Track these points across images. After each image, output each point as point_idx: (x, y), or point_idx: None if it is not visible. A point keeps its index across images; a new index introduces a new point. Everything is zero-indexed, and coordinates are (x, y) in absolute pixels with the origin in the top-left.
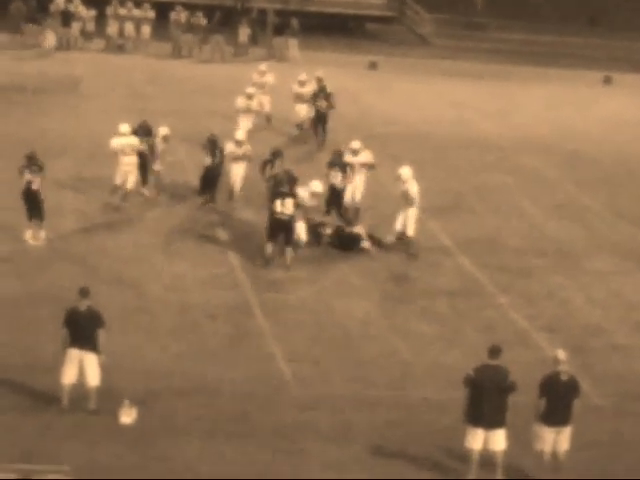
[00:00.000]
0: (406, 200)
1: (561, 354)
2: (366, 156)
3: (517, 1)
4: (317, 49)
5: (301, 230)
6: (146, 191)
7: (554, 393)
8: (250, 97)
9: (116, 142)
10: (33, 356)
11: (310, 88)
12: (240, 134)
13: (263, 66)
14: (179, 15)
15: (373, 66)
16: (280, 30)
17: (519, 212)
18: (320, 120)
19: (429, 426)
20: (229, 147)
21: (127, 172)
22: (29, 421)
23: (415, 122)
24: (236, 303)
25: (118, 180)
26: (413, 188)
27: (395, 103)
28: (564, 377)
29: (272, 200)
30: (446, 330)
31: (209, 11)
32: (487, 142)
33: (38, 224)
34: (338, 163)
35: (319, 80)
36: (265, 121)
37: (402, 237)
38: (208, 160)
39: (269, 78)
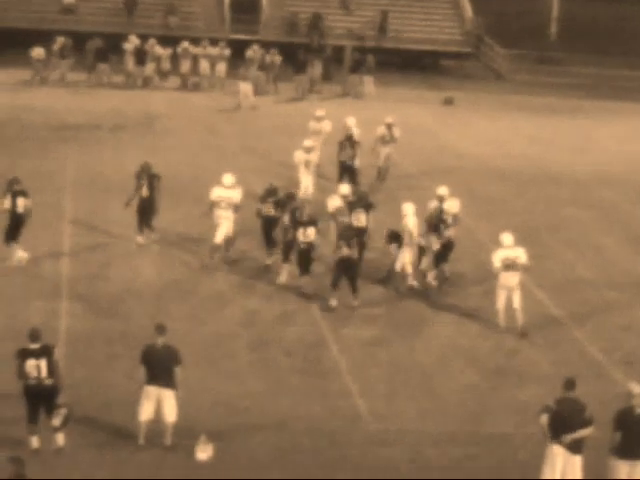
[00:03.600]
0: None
1: (635, 388)
2: (453, 204)
3: (591, 35)
4: (392, 85)
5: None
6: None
7: (628, 427)
8: (308, 150)
9: (216, 193)
10: (109, 393)
11: (380, 132)
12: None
13: (320, 112)
14: (255, 53)
15: (449, 102)
16: (355, 67)
17: (595, 246)
18: (346, 171)
19: (505, 461)
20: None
21: (218, 225)
22: (106, 457)
23: (490, 157)
24: (311, 339)
25: (218, 239)
26: (409, 224)
27: (470, 138)
28: (638, 411)
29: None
30: (521, 364)
31: (285, 49)
32: (563, 177)
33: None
34: (361, 203)
35: (388, 126)
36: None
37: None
38: (271, 211)
39: (326, 125)
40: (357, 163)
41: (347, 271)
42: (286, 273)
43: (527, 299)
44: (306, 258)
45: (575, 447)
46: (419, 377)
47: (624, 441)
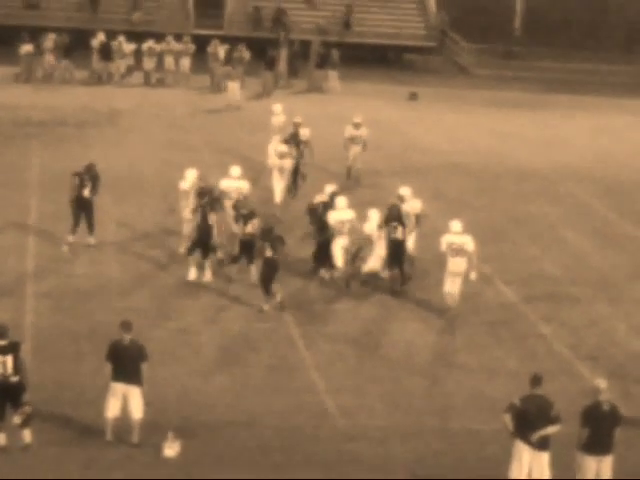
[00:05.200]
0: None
1: (602, 383)
2: (414, 205)
3: (556, 29)
4: (357, 80)
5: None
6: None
7: (596, 422)
8: (283, 156)
9: (225, 184)
10: (76, 390)
11: (348, 132)
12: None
13: (276, 107)
14: (215, 49)
15: (413, 97)
16: (320, 62)
17: (560, 241)
18: (294, 170)
19: (472, 456)
20: None
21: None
22: (73, 455)
23: (455, 153)
24: (278, 335)
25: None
26: (414, 206)
27: (435, 134)
28: (606, 406)
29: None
30: (489, 360)
31: (250, 44)
32: (527, 171)
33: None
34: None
35: (356, 125)
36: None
37: None
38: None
39: (276, 119)
40: (303, 163)
41: (271, 272)
42: (194, 269)
43: (493, 294)
44: (249, 249)
45: (542, 444)
46: (386, 373)
47: (591, 436)
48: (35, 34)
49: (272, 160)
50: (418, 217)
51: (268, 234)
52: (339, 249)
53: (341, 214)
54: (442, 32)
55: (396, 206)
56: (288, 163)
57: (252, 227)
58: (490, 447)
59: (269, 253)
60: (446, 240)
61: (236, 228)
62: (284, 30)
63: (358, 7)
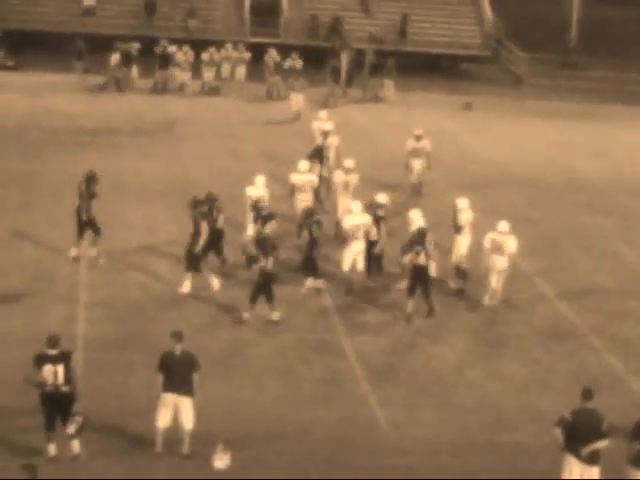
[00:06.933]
0: (457, 229)
1: None
2: (466, 217)
3: (611, 39)
4: (412, 89)
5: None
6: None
7: None
8: (348, 172)
9: (295, 178)
10: (127, 400)
11: (409, 145)
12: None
13: (322, 113)
14: (271, 57)
15: (468, 106)
16: (374, 71)
17: (614, 254)
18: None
19: (522, 470)
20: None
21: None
22: (123, 465)
23: (510, 163)
24: (329, 347)
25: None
26: (466, 217)
27: (489, 143)
28: None
29: None
30: (540, 373)
31: (307, 52)
32: (582, 182)
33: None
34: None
35: (417, 138)
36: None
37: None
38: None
39: (317, 125)
40: (316, 179)
41: (266, 283)
42: (189, 283)
43: (545, 307)
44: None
45: (592, 458)
46: (437, 385)
47: None
48: (89, 42)
49: (337, 176)
50: (462, 228)
51: (263, 243)
52: (350, 253)
53: (357, 218)
54: (498, 41)
55: (422, 230)
56: (354, 179)
57: (270, 229)
58: (540, 461)
59: (263, 263)
60: (489, 237)
61: (250, 229)
62: (340, 39)
63: (414, 16)
